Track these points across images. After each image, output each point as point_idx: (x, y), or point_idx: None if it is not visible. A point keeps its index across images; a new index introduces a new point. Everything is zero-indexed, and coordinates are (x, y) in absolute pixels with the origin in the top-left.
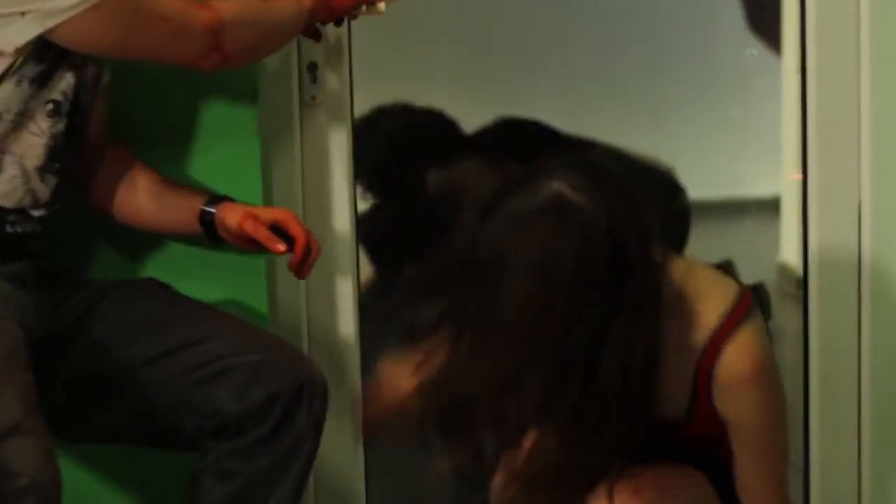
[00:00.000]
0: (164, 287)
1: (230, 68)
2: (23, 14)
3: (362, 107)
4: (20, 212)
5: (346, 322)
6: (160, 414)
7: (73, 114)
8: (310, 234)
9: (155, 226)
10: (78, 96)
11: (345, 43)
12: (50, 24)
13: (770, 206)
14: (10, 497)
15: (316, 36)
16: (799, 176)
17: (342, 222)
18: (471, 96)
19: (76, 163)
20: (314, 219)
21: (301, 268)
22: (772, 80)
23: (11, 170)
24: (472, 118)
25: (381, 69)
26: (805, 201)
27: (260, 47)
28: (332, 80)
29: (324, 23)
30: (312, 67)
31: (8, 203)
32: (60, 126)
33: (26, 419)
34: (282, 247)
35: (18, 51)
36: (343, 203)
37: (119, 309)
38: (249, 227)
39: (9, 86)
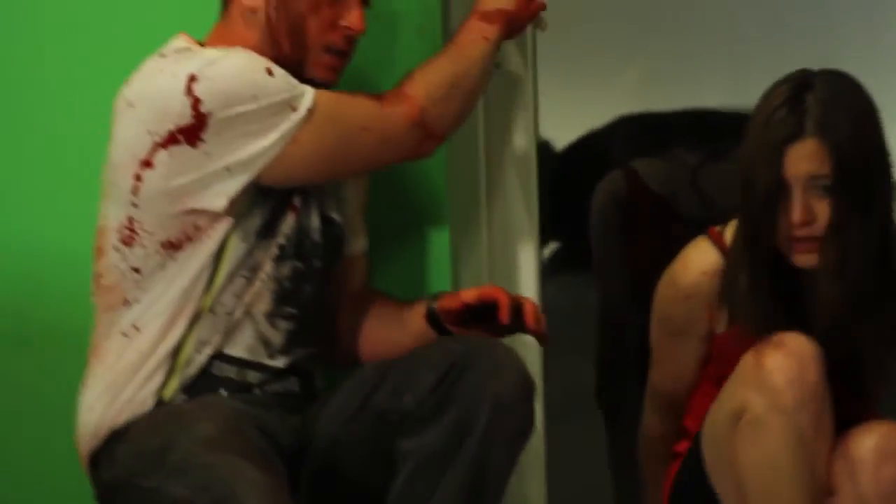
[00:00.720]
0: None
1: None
2: (227, 169)
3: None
4: (261, 368)
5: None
6: (374, 467)
7: (299, 257)
8: (515, 296)
9: (401, 349)
10: (302, 237)
11: None
12: (255, 169)
13: None
14: None
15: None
16: None
17: (529, 200)
18: (639, 71)
19: (315, 308)
20: (495, 185)
21: (532, 330)
22: None
23: (239, 315)
24: (639, 96)
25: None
26: None
27: (467, 108)
28: (512, 45)
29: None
30: None
31: (242, 353)
32: (285, 270)
33: (259, 474)
34: (455, 303)
35: (233, 204)
36: (527, 171)
37: (335, 398)
38: (448, 304)
39: (235, 243)
